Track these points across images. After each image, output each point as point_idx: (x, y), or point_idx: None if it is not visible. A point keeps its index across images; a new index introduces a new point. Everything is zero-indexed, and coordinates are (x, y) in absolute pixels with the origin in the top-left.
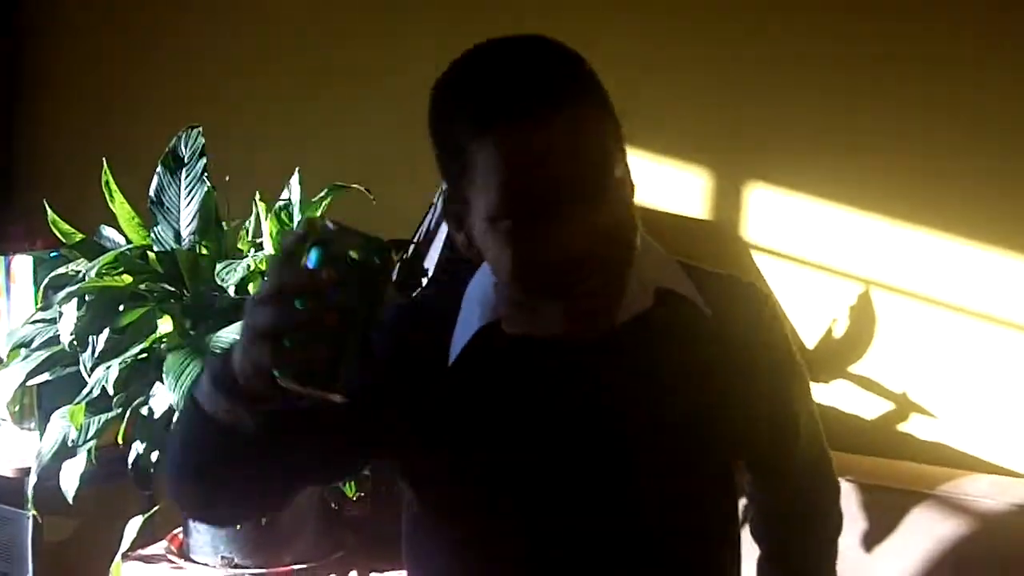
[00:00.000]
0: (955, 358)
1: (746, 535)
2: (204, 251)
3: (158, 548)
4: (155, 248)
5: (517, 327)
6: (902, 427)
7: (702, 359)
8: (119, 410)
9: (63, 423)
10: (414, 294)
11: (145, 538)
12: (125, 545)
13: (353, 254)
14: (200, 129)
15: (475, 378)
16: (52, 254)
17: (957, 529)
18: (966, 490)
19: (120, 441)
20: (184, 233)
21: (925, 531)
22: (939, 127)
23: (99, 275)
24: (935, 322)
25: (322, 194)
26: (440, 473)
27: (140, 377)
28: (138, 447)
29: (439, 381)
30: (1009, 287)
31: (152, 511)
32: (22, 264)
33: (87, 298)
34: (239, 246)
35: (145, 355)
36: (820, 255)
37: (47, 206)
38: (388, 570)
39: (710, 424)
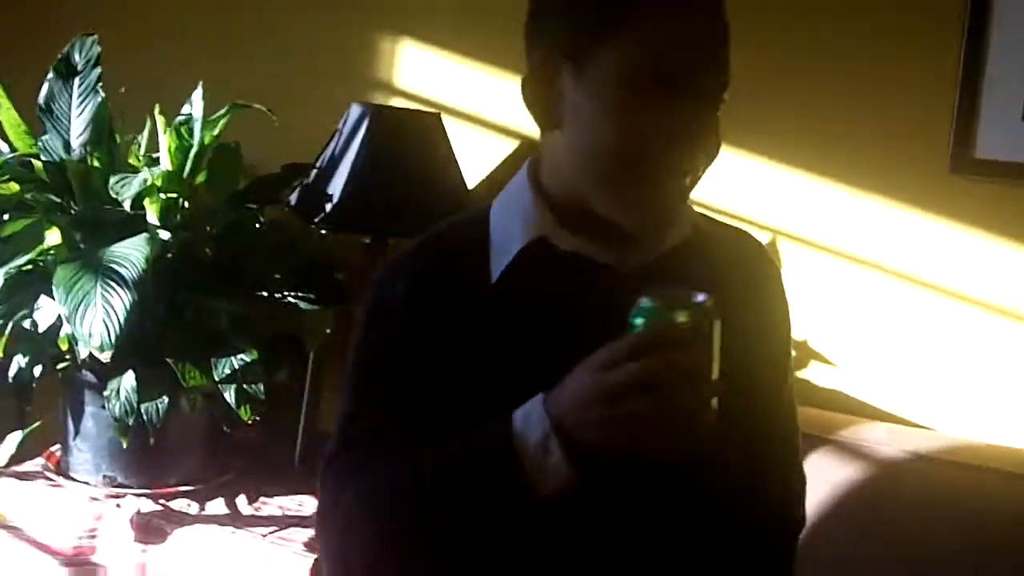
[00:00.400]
0: (853, 307)
1: None
2: (96, 163)
3: (34, 465)
4: (42, 157)
5: (567, 243)
6: (802, 374)
7: (724, 295)
8: (0, 322)
9: None
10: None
11: (19, 454)
12: (2, 460)
13: (677, 313)
14: (96, 37)
15: (518, 296)
16: None
17: (854, 475)
18: (864, 437)
19: (0, 353)
20: (74, 144)
21: (823, 477)
22: (828, 77)
23: None
24: (834, 271)
25: (221, 112)
26: (477, 396)
27: (24, 288)
28: (20, 360)
29: (480, 304)
30: (906, 238)
31: (33, 426)
32: None
33: None
34: (130, 160)
35: (31, 267)
36: (723, 202)
37: None
38: (278, 494)
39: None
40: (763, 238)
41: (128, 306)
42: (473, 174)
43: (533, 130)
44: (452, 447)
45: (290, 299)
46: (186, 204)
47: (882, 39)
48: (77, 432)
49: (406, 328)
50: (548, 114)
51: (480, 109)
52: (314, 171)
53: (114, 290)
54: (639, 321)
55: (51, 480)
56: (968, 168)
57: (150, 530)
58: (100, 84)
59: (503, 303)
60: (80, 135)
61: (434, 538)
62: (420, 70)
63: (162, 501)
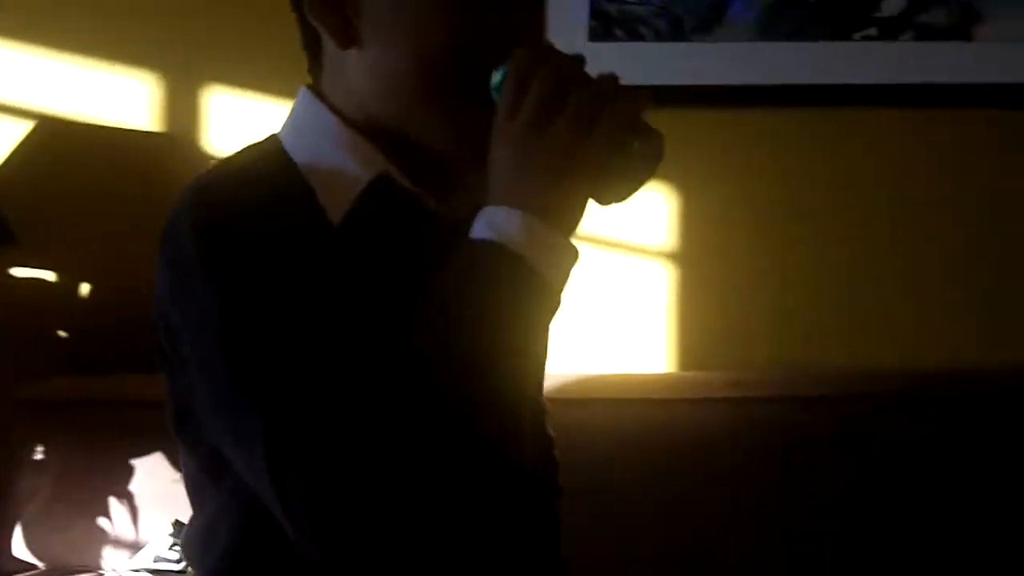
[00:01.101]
0: None
1: None
2: None
3: None
4: None
5: (404, 181)
6: None
7: None
8: None
9: None
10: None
11: None
12: None
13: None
14: None
15: (362, 238)
16: None
17: None
18: None
19: None
20: None
21: None
22: None
23: None
24: None
25: None
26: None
27: None
28: None
29: (324, 246)
30: None
31: None
32: None
33: None
34: None
35: None
36: None
37: None
38: None
39: None
40: None
41: None
42: None
43: None
44: (449, 300)
45: None
46: None
47: None
48: None
49: (275, 263)
50: (345, 31)
51: None
52: None
53: None
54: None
55: None
56: None
57: None
58: None
59: (347, 245)
60: None
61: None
62: None
63: None
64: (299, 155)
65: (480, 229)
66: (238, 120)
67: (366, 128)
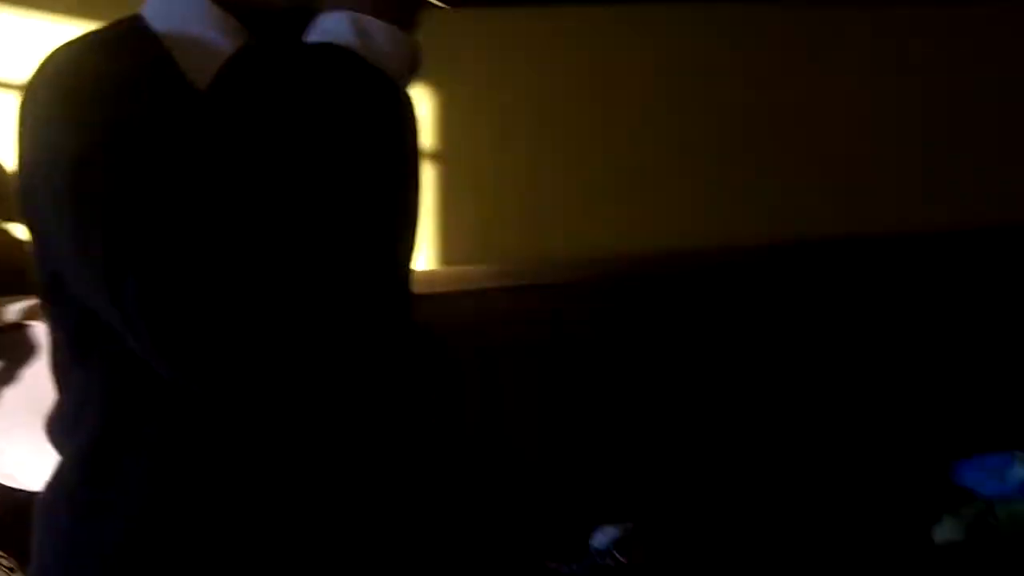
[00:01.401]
0: None
1: None
2: None
3: None
4: None
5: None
6: None
7: None
8: None
9: None
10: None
11: None
12: None
13: None
14: None
15: (226, 105)
16: None
17: None
18: None
19: None
20: None
21: None
22: None
23: None
24: None
25: None
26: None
27: None
28: None
29: (176, 108)
30: None
31: None
32: None
33: None
34: None
35: None
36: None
37: None
38: None
39: None
40: None
41: None
42: None
43: None
44: None
45: None
46: None
47: None
48: None
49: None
50: None
51: None
52: None
53: None
54: None
55: None
56: None
57: None
58: None
59: (210, 109)
60: None
61: None
62: None
63: None
64: (162, 27)
65: (311, 37)
66: (16, 41)
67: (226, 1)
